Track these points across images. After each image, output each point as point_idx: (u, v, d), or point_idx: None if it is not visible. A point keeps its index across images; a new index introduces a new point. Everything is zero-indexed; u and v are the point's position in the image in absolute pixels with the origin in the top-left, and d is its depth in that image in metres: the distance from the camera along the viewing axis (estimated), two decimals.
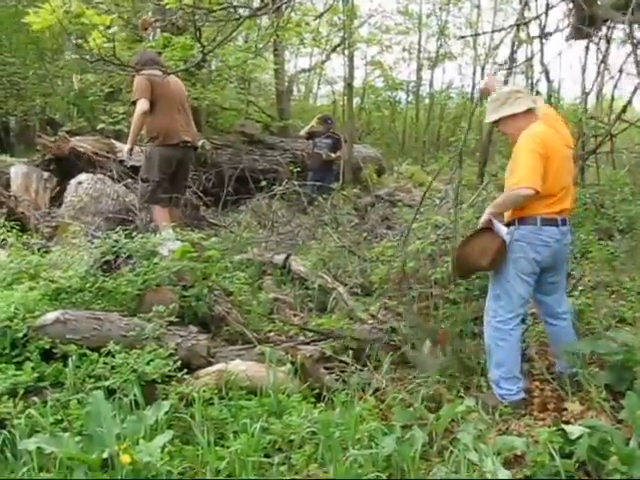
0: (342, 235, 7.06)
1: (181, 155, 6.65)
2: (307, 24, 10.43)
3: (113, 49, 3.30)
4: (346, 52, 12.13)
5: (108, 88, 11.47)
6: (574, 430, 3.19)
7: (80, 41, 3.47)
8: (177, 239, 5.27)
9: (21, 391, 3.42)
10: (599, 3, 6.85)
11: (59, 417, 3.31)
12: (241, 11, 4.03)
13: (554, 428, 3.23)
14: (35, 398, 3.42)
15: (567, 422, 3.62)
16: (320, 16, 9.31)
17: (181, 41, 7.67)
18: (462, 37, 19.57)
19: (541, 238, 3.91)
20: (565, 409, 3.95)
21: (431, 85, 20.97)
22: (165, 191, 6.52)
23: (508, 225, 3.98)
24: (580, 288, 5.36)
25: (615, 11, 6.50)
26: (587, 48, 7.06)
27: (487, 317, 4.13)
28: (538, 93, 6.89)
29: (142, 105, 6.32)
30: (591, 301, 5.12)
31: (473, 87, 20.19)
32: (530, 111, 4.00)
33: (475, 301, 5.10)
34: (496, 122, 4.15)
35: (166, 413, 3.28)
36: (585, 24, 6.59)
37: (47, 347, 3.71)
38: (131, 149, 6.74)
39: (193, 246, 4.74)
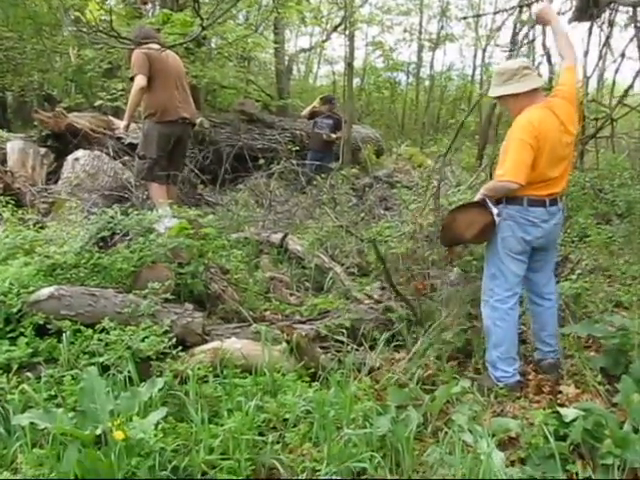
0: (340, 215, 7.03)
1: (179, 132, 6.60)
2: (308, 1, 10.34)
3: (110, 22, 3.25)
4: (347, 32, 12.04)
5: (106, 64, 11.40)
6: (569, 413, 3.19)
7: (78, 14, 3.41)
8: (174, 216, 5.24)
9: (15, 366, 3.42)
10: None
11: (53, 393, 3.31)
12: None
13: (549, 410, 3.23)
14: (29, 373, 3.42)
15: (562, 405, 3.64)
16: None
17: (181, 17, 7.64)
18: (464, 18, 19.41)
19: (527, 218, 3.90)
20: (560, 392, 3.96)
21: (431, 67, 20.89)
22: (162, 168, 6.49)
23: (497, 203, 3.95)
24: (577, 272, 5.35)
25: None
26: (590, 31, 6.98)
27: (484, 297, 4.12)
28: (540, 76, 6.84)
29: (139, 81, 6.26)
30: (588, 285, 5.11)
31: (474, 69, 20.16)
32: (535, 90, 3.92)
33: (472, 283, 5.10)
34: (498, 97, 4.11)
35: (160, 390, 3.27)
36: (589, 6, 6.51)
37: (41, 323, 3.69)
38: (128, 125, 6.70)
39: (190, 223, 4.72)
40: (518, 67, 3.93)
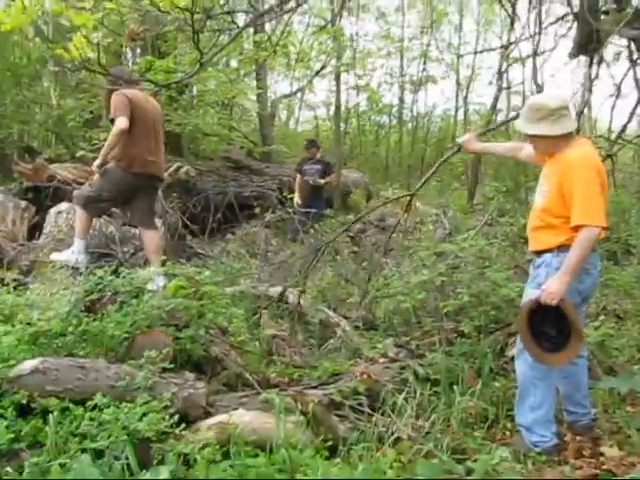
0: (340, 265, 6.69)
1: (142, 183, 6.11)
2: (294, 46, 10.22)
3: (98, 55, 2.94)
4: (333, 75, 11.93)
5: (88, 114, 11.19)
6: None
7: (60, 52, 3.08)
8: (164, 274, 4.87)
9: None
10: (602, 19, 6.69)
11: None
12: (240, 22, 3.74)
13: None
14: (9, 466, 3.00)
15: (609, 471, 3.30)
16: (312, 35, 9.07)
17: (164, 64, 7.40)
18: (460, 55, 19.34)
19: (584, 266, 3.51)
20: (602, 454, 3.63)
21: (413, 109, 20.93)
22: (101, 210, 6.10)
23: (542, 253, 3.60)
24: (601, 317, 5.06)
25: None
26: (590, 65, 6.83)
27: (521, 354, 3.72)
28: None
29: (122, 123, 5.80)
30: (613, 331, 4.81)
31: (456, 110, 20.18)
32: (569, 134, 3.62)
33: (491, 334, 4.77)
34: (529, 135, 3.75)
35: None
36: (589, 41, 6.43)
37: (24, 401, 3.30)
38: (101, 164, 6.16)
39: (188, 281, 4.34)
40: (557, 107, 3.58)
